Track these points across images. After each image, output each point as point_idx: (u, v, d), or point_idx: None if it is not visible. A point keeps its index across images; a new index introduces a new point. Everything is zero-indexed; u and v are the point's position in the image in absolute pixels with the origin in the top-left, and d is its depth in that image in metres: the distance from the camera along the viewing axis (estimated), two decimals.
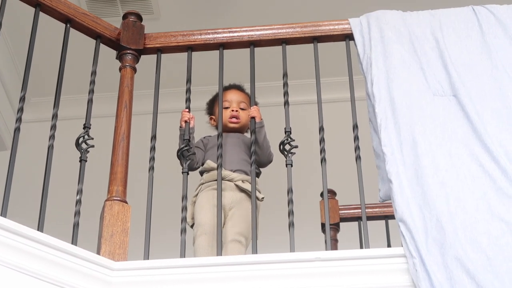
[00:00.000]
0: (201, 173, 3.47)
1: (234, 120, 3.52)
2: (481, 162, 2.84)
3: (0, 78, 5.48)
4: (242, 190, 3.33)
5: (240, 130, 3.55)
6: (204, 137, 3.56)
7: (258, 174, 3.39)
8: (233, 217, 3.28)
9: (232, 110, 3.52)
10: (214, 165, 3.33)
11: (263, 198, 3.34)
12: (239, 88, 3.61)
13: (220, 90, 3.33)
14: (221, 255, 2.91)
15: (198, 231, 3.26)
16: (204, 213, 3.29)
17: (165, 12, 5.37)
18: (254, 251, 2.89)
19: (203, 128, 3.63)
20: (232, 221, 3.27)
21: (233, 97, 3.56)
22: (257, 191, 3.30)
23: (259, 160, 3.37)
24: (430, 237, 2.68)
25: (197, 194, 3.40)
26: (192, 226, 3.35)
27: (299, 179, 3.87)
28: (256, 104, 3.36)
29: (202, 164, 3.46)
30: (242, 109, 3.55)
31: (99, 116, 4.26)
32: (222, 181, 3.17)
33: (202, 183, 3.41)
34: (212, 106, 3.64)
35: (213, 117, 3.61)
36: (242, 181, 3.35)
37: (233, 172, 3.37)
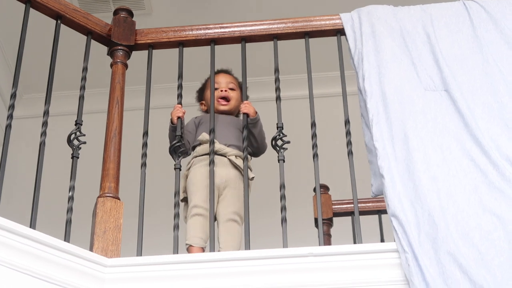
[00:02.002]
0: (194, 147, 3.46)
1: (223, 102, 3.54)
2: (473, 156, 2.84)
3: None
4: (235, 166, 3.33)
5: (231, 112, 3.56)
6: (195, 117, 3.57)
7: (250, 154, 3.39)
8: (226, 196, 3.29)
9: (221, 91, 3.53)
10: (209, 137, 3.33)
11: (253, 177, 3.33)
12: (226, 71, 3.63)
13: (212, 86, 3.33)
14: (213, 242, 2.91)
15: (192, 211, 3.25)
16: (200, 194, 3.27)
17: (156, 8, 5.36)
18: (247, 247, 2.89)
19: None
20: (226, 201, 3.28)
21: (221, 79, 3.58)
22: (248, 169, 3.30)
23: (252, 150, 3.39)
24: (423, 232, 2.69)
25: (189, 168, 3.39)
26: (182, 200, 3.35)
27: (292, 175, 3.87)
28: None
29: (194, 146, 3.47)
30: (231, 89, 3.57)
31: (91, 112, 4.26)
32: (215, 156, 3.18)
33: (195, 156, 3.40)
34: (202, 92, 3.66)
35: (203, 102, 3.63)
36: (236, 156, 3.36)
37: (227, 146, 3.36)
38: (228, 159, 3.34)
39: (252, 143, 3.36)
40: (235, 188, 3.31)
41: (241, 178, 3.32)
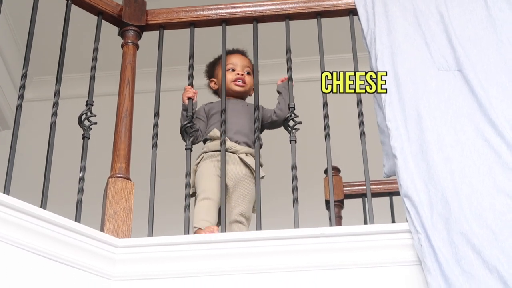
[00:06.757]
0: (205, 141, 3.39)
1: (240, 83, 3.45)
2: (487, 137, 2.81)
3: (3, 58, 5.45)
4: (245, 165, 3.29)
5: (243, 95, 3.49)
6: (206, 104, 3.47)
7: (260, 146, 3.34)
8: (234, 194, 3.24)
9: (238, 74, 3.45)
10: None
11: (263, 176, 3.24)
12: (242, 53, 3.53)
13: (223, 67, 3.30)
14: (224, 225, 2.90)
15: (201, 196, 3.19)
16: (209, 181, 3.22)
17: None
18: (258, 227, 2.88)
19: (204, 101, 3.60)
20: (235, 200, 3.23)
21: (237, 61, 3.48)
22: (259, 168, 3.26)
23: (279, 118, 3.34)
24: (435, 212, 2.67)
25: (198, 163, 3.32)
26: (192, 195, 3.28)
27: (303, 158, 3.83)
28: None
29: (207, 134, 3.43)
30: (247, 73, 3.48)
31: (102, 95, 4.25)
32: (226, 153, 3.13)
33: (205, 152, 3.33)
34: (213, 68, 3.55)
35: (214, 79, 3.54)
36: (246, 154, 3.31)
37: (238, 144, 3.32)
38: (239, 157, 3.29)
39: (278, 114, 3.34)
40: (244, 187, 3.26)
41: (251, 177, 3.28)
